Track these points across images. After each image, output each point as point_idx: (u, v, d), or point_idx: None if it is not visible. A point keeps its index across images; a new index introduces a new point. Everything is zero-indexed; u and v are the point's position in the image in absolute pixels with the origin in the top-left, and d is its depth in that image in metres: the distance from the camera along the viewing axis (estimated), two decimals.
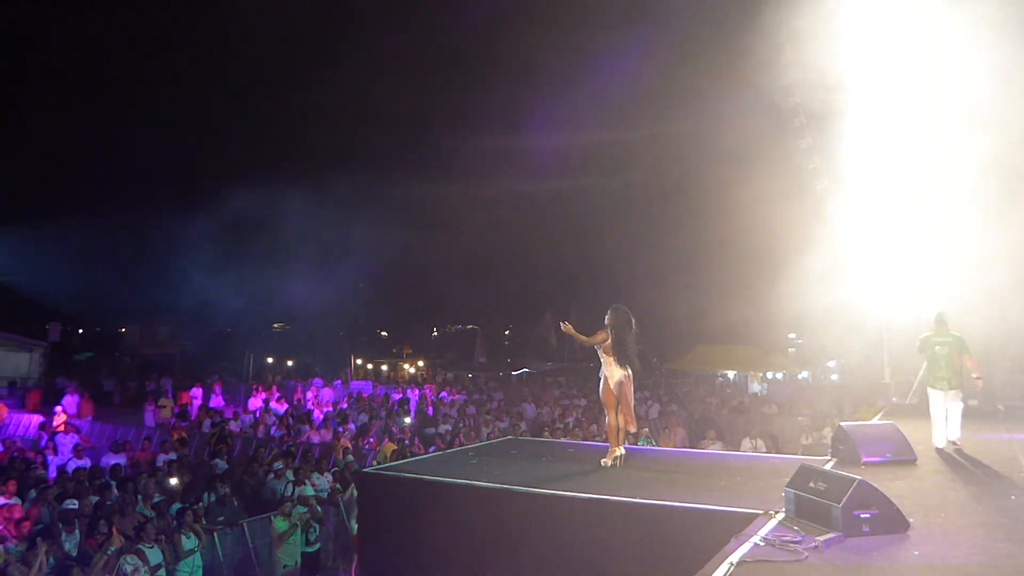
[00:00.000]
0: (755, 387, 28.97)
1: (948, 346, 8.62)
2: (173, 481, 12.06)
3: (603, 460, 8.02)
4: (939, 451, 8.43)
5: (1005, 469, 7.50)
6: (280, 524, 10.47)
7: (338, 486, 12.35)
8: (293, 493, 11.58)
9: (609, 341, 7.88)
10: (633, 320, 7.94)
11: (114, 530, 8.65)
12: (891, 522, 4.94)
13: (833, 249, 14.24)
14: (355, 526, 10.19)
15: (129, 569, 8.35)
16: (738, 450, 14.03)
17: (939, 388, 8.61)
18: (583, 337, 8.04)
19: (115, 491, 11.18)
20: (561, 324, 8.04)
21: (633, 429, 8.43)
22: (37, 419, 18.53)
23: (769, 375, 30.66)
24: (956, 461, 7.96)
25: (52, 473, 13.27)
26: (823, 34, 12.14)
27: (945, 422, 8.58)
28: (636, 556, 5.93)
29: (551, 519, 6.48)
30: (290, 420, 18.18)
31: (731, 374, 31.78)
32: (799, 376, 31.88)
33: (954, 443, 8.50)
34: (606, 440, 8.85)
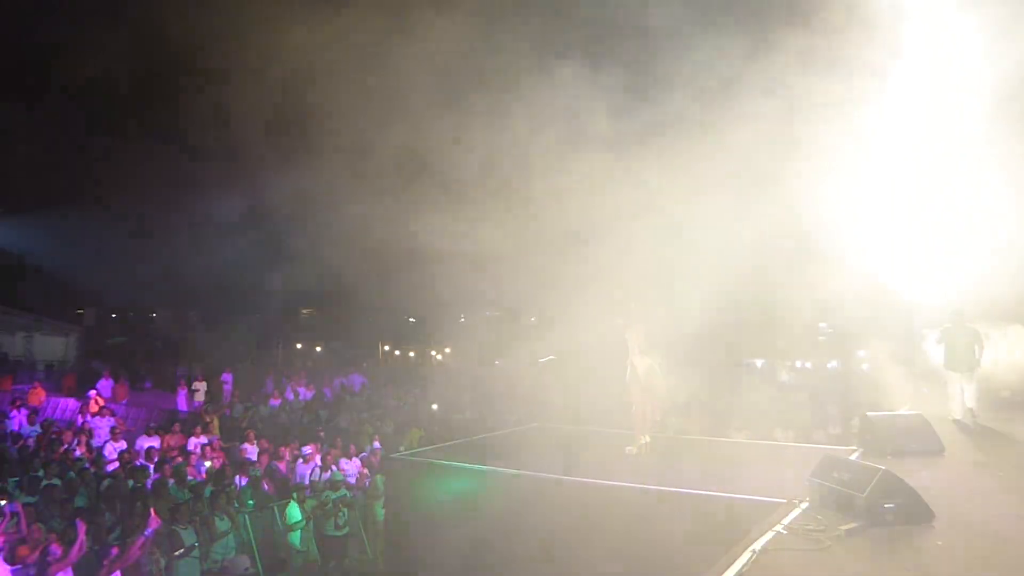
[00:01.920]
0: (783, 376, 28.64)
1: (966, 336, 9.84)
2: (206, 464, 12.30)
3: (628, 448, 8.08)
4: (962, 433, 9.03)
5: None
6: (292, 512, 10.57)
7: (366, 471, 12.51)
8: (321, 478, 11.76)
9: (639, 333, 7.98)
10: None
11: (152, 511, 8.85)
12: (915, 512, 4.94)
13: (866, 237, 14.02)
14: (382, 511, 10.34)
15: (163, 550, 8.56)
16: (769, 439, 13.95)
17: (958, 371, 9.80)
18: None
19: (151, 473, 11.45)
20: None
21: (658, 418, 8.47)
22: (73, 403, 18.90)
23: (798, 363, 30.28)
24: (983, 451, 7.91)
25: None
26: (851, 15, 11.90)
27: (961, 395, 9.76)
28: (659, 543, 5.99)
29: (576, 505, 6.56)
30: (317, 406, 18.42)
31: (759, 362, 31.44)
32: (828, 365, 31.44)
33: (972, 410, 9.52)
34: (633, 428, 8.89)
